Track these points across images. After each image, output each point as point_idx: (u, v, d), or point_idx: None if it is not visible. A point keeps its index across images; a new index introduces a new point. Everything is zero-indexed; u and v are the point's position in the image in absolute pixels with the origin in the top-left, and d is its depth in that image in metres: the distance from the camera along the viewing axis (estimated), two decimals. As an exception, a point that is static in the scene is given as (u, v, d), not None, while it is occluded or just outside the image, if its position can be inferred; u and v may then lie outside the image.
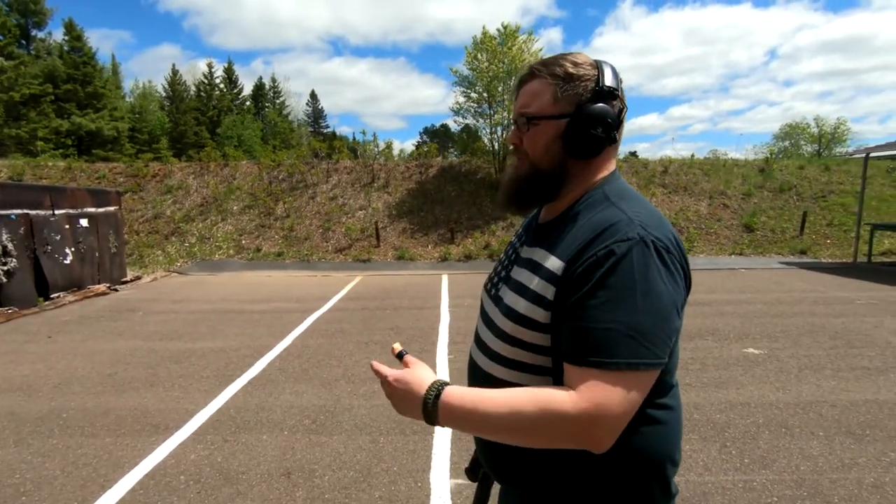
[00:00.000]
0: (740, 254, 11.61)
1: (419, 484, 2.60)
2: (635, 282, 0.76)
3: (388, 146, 16.86)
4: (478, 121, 15.49)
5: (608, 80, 0.88)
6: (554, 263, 0.85)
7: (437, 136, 48.44)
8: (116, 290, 8.63)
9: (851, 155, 15.37)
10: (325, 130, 50.94)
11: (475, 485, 1.09)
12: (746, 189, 14.03)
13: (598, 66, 0.90)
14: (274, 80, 45.59)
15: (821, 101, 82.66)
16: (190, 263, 11.55)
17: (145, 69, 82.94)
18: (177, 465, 2.80)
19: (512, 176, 0.97)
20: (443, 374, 4.24)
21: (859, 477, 2.56)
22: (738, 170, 15.15)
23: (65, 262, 7.93)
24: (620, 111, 0.90)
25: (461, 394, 0.81)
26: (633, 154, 23.54)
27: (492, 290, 1.01)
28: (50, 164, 15.71)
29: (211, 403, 3.66)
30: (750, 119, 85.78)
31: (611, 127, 0.88)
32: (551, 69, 0.90)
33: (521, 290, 0.89)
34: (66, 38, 28.31)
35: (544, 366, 0.86)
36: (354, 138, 29.47)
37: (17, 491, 2.56)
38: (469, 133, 17.97)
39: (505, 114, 13.93)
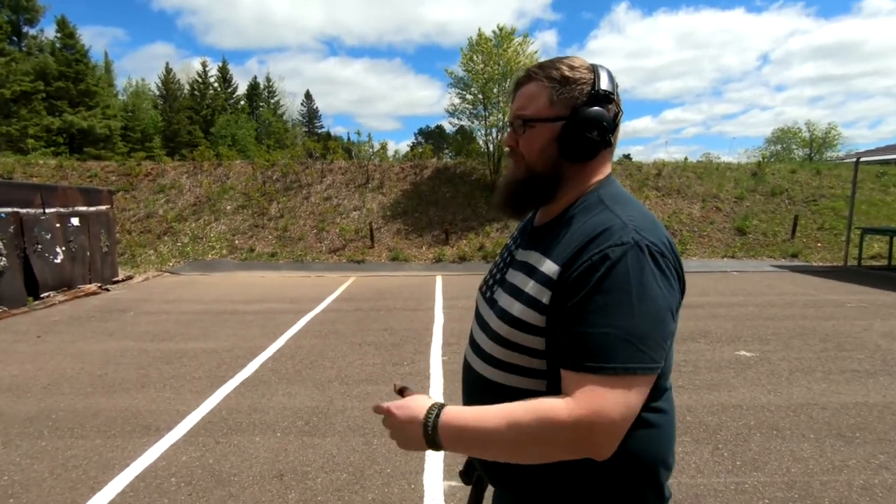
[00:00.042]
0: (732, 256, 11.71)
1: (412, 486, 2.59)
2: (631, 286, 0.76)
3: (383, 147, 16.84)
4: (473, 122, 15.55)
5: (604, 84, 0.89)
6: (549, 267, 0.85)
7: (432, 137, 48.40)
8: (107, 289, 8.55)
9: (842, 159, 15.56)
10: (319, 131, 50.74)
11: (469, 487, 1.09)
12: (739, 192, 14.15)
13: (594, 69, 0.91)
14: (269, 80, 45.42)
15: (812, 106, 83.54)
16: (182, 263, 11.47)
17: (139, 67, 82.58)
18: (168, 467, 2.78)
19: (508, 180, 0.97)
20: (436, 375, 4.24)
21: (849, 479, 2.59)
22: (730, 173, 15.28)
23: (55, 261, 7.85)
24: (616, 115, 0.91)
25: (459, 411, 0.81)
26: (627, 157, 23.73)
27: (487, 292, 1.01)
28: (41, 162, 15.56)
29: (203, 405, 3.63)
30: (742, 123, 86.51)
31: (606, 130, 0.88)
32: (548, 72, 0.90)
33: (516, 292, 0.89)
34: (59, 35, 28.09)
35: (539, 368, 0.86)
36: (349, 139, 29.42)
37: (4, 493, 2.53)
38: (464, 134, 17.99)
39: (500, 115, 13.97)
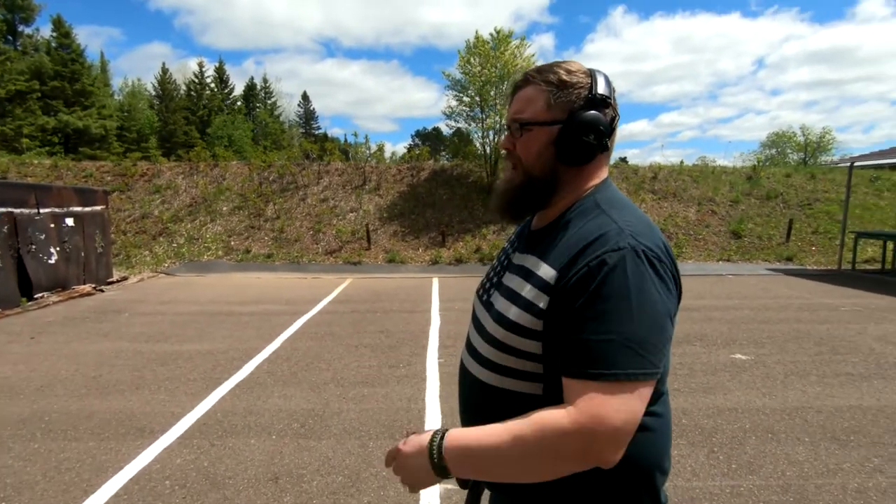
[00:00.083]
0: (728, 260, 11.76)
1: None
2: (630, 292, 0.76)
3: (380, 148, 16.92)
4: (470, 125, 15.57)
5: (601, 89, 0.89)
6: (546, 272, 0.85)
7: (429, 139, 48.45)
8: (102, 290, 8.51)
9: (837, 164, 15.66)
10: (316, 132, 50.73)
11: (465, 491, 1.09)
12: (734, 196, 14.21)
13: (591, 74, 0.91)
14: (265, 81, 45.33)
15: (807, 111, 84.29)
16: (178, 264, 11.43)
17: (135, 67, 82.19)
18: (162, 470, 2.76)
19: (505, 185, 0.98)
20: (433, 377, 4.23)
21: (844, 482, 2.60)
22: (726, 177, 15.35)
23: (49, 261, 7.80)
24: (613, 119, 0.91)
25: (462, 431, 0.82)
26: (624, 160, 23.80)
27: (483, 295, 1.01)
28: (35, 161, 15.47)
29: (198, 407, 3.61)
30: (738, 127, 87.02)
31: (603, 134, 0.88)
32: (545, 76, 0.91)
33: (513, 296, 0.89)
34: (54, 34, 27.93)
35: (535, 372, 0.86)
36: (346, 140, 29.37)
37: (-4, 496, 2.51)
38: (461, 137, 18.03)
39: (497, 118, 13.99)
